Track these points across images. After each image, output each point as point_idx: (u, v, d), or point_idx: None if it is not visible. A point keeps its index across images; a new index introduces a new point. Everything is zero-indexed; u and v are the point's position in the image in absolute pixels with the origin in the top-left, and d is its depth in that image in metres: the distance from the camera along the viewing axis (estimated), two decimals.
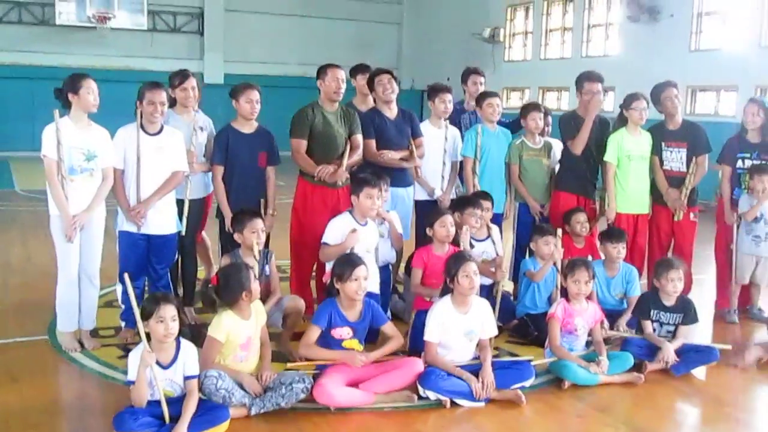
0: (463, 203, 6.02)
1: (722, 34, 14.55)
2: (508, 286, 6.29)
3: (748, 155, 6.47)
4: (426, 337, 4.75)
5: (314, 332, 4.63)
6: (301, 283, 6.11)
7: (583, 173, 6.59)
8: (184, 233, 5.75)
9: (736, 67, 13.94)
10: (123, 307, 5.55)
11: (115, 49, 20.79)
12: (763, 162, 6.39)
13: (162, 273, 5.60)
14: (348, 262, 4.65)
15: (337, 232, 5.50)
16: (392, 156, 6.28)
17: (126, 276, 4.29)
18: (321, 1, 23.17)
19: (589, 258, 6.25)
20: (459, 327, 4.77)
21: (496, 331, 5.01)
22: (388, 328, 4.82)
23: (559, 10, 18.74)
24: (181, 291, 6.14)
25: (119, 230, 5.46)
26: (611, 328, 5.64)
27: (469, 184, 6.58)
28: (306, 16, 23.27)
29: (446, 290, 4.87)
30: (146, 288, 5.60)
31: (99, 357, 5.19)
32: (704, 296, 6.80)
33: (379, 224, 5.89)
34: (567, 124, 6.67)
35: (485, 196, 6.23)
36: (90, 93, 5.05)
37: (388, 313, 6.09)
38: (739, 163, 6.50)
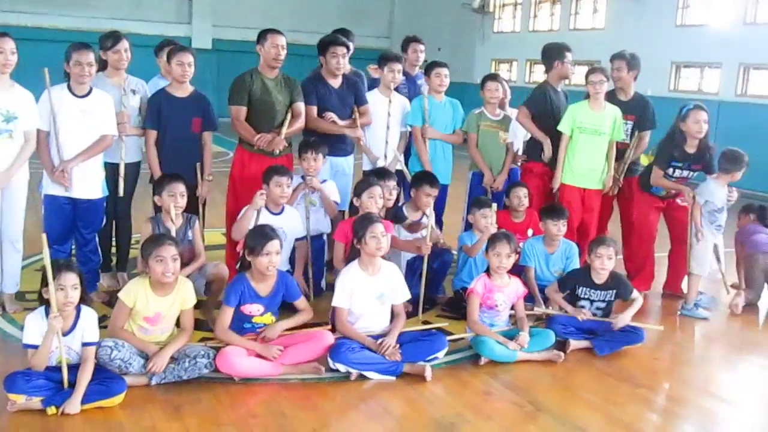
0: (420, 180, 5.93)
1: (708, 10, 14.33)
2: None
3: (680, 165, 6.16)
4: (334, 303, 4.71)
5: (227, 313, 4.51)
6: (236, 251, 6.02)
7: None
8: (122, 195, 5.68)
9: (720, 43, 13.76)
10: None
11: (101, 11, 20.61)
12: (693, 173, 6.21)
13: (89, 238, 5.55)
14: (261, 235, 4.53)
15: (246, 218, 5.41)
16: (333, 119, 6.16)
17: (44, 237, 4.16)
18: None
19: (530, 232, 6.20)
20: (369, 290, 4.72)
21: (408, 295, 4.97)
22: (301, 302, 4.74)
23: None
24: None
25: (44, 193, 5.38)
26: (545, 305, 5.58)
27: (421, 152, 6.50)
28: None
29: (354, 255, 4.79)
30: (73, 253, 5.54)
31: (18, 321, 5.12)
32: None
33: (311, 193, 5.82)
34: (535, 95, 6.68)
35: (430, 178, 6.05)
36: (0, 53, 4.92)
37: (322, 282, 6.05)
38: (670, 170, 6.19)
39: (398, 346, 4.60)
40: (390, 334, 4.64)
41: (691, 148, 6.08)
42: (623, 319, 5.18)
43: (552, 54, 6.71)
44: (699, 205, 6.01)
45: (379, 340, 4.59)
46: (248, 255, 4.55)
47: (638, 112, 6.44)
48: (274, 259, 4.49)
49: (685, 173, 6.19)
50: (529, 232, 6.23)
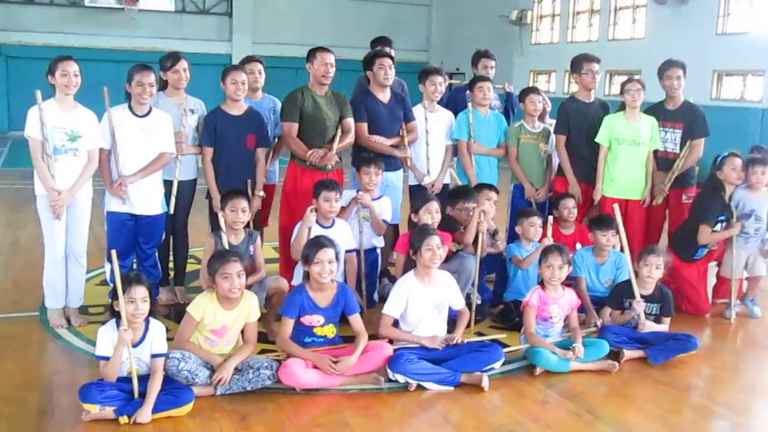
0: (456, 196, 6.00)
1: (750, 18, 14.22)
2: None
3: (723, 218, 6.08)
4: (384, 310, 4.84)
5: (287, 325, 4.65)
6: (289, 265, 6.16)
7: (585, 158, 6.54)
8: (172, 212, 5.84)
9: (763, 50, 13.63)
10: (112, 285, 5.65)
11: (144, 30, 21.05)
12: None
13: (149, 253, 5.72)
14: (314, 244, 4.69)
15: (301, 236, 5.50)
16: (382, 141, 6.29)
17: (113, 253, 4.36)
18: None
19: (578, 245, 6.24)
20: (426, 300, 4.84)
21: (463, 302, 5.11)
22: (355, 321, 4.76)
23: None
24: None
25: (107, 210, 5.58)
26: (598, 314, 5.62)
27: (467, 166, 6.58)
28: None
29: (411, 265, 4.90)
30: (134, 267, 5.71)
31: (83, 334, 5.31)
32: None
33: (364, 208, 5.94)
34: (561, 113, 6.66)
35: (487, 186, 6.18)
36: (65, 75, 5.12)
37: (375, 295, 6.15)
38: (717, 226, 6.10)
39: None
40: (458, 328, 4.92)
41: (727, 197, 6.09)
42: (650, 326, 5.23)
43: (572, 67, 6.75)
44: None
45: (445, 336, 4.80)
46: (303, 264, 4.70)
47: (687, 119, 6.42)
48: (326, 267, 4.60)
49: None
50: (578, 245, 6.26)
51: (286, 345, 4.62)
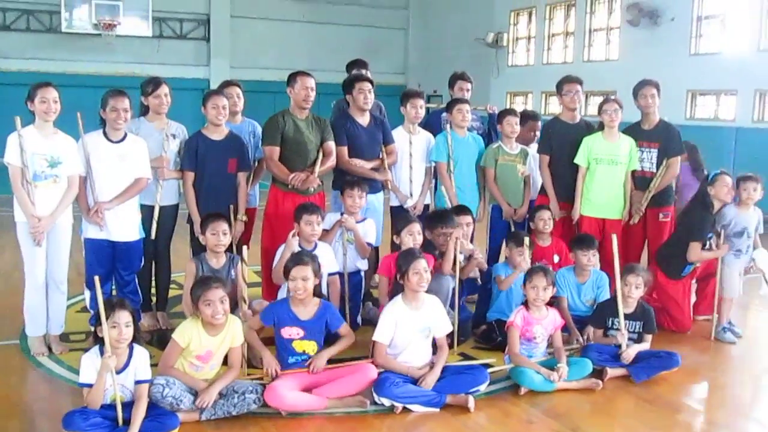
0: (433, 221, 5.97)
1: (722, 38, 14.47)
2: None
3: (711, 235, 6.16)
4: (375, 337, 4.82)
5: (256, 320, 4.88)
6: (272, 288, 6.15)
7: (566, 179, 6.60)
8: (153, 238, 5.82)
9: (735, 70, 13.87)
10: (92, 312, 5.62)
11: (122, 55, 20.94)
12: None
13: (128, 279, 5.69)
14: (293, 260, 4.77)
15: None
16: (363, 165, 6.32)
17: (96, 279, 4.32)
18: (327, 7, 23.30)
19: (555, 258, 6.27)
20: (412, 324, 4.82)
21: (450, 327, 5.11)
22: (343, 328, 4.89)
23: (562, 14, 18.70)
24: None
25: (84, 237, 5.55)
26: (581, 333, 5.66)
27: (447, 188, 6.61)
28: (312, 22, 23.35)
29: (398, 289, 4.90)
30: (113, 294, 5.67)
31: (65, 361, 5.26)
32: None
33: (348, 231, 5.95)
34: (544, 133, 6.74)
35: (462, 210, 6.20)
36: (44, 102, 5.10)
37: (358, 318, 6.15)
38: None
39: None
40: (434, 368, 4.77)
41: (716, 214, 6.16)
42: (629, 354, 5.21)
43: (556, 88, 6.85)
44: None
45: (422, 376, 4.70)
46: (285, 278, 4.80)
47: (663, 139, 6.49)
48: (300, 284, 4.66)
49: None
50: (555, 258, 6.31)
51: (251, 334, 4.79)
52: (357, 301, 6.15)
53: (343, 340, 4.83)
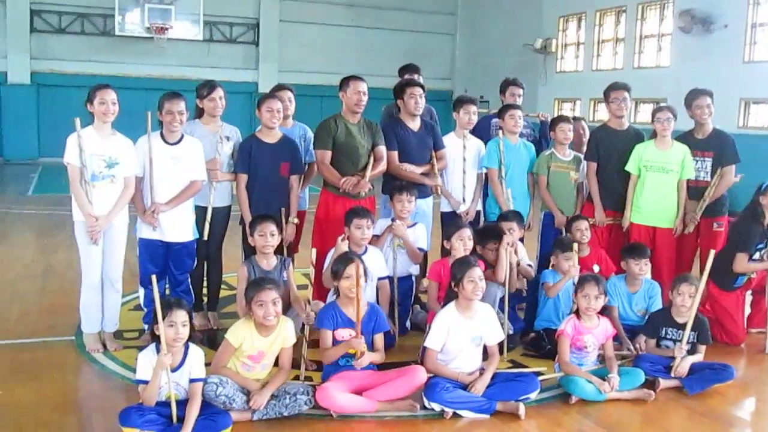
0: (485, 236, 5.93)
1: None
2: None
3: (763, 245, 6.07)
4: (426, 343, 4.82)
5: (327, 336, 4.78)
6: (322, 291, 6.19)
7: (614, 186, 6.54)
8: (206, 239, 5.90)
9: None
10: (146, 310, 5.72)
11: (173, 58, 21.32)
12: None
13: (181, 279, 5.77)
14: (342, 260, 4.81)
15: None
16: (413, 170, 6.33)
17: (153, 278, 4.39)
18: (375, 12, 23.44)
19: (596, 268, 6.20)
20: (465, 333, 4.81)
21: (502, 336, 5.07)
22: (378, 339, 4.89)
23: (612, 20, 18.50)
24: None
25: (139, 237, 5.65)
26: (632, 343, 5.60)
27: (498, 194, 6.59)
28: (360, 26, 23.52)
29: (451, 296, 4.90)
30: (167, 293, 5.76)
31: (119, 358, 5.36)
32: None
33: (396, 237, 5.97)
34: (591, 141, 6.70)
35: (513, 216, 6.16)
36: (103, 104, 5.22)
37: (407, 323, 6.16)
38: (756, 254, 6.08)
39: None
40: (485, 374, 4.74)
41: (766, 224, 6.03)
42: (683, 367, 5.12)
43: (603, 95, 6.77)
44: None
45: (472, 382, 4.69)
46: (333, 279, 4.82)
47: (717, 148, 6.40)
48: (353, 281, 4.69)
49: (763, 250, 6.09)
50: (596, 268, 6.23)
51: (325, 353, 4.75)
52: (407, 306, 6.17)
53: (375, 354, 4.83)
